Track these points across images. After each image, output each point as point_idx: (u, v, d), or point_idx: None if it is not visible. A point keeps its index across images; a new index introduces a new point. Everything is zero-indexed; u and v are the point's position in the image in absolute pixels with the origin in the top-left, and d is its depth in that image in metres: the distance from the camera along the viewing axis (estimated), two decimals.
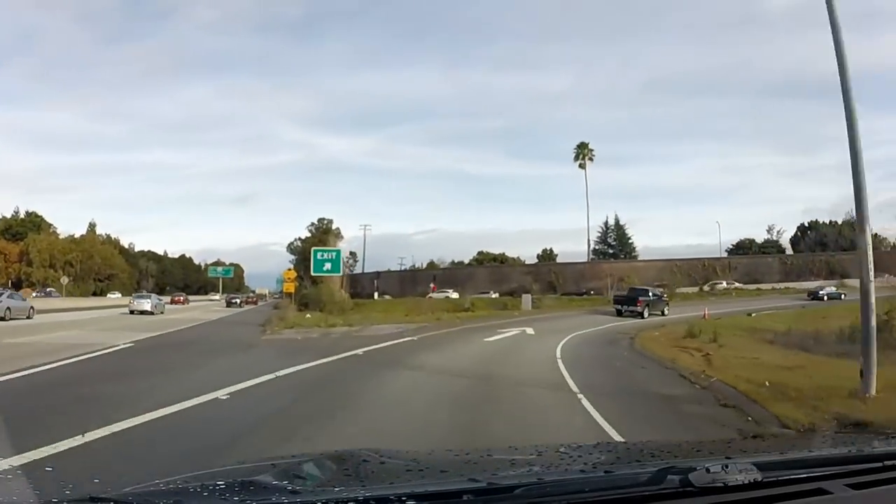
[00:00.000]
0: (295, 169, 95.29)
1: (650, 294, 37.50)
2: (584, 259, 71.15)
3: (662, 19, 76.56)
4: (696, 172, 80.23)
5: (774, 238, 77.44)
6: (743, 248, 76.45)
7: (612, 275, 58.03)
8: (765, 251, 74.05)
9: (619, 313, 34.81)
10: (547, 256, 79.03)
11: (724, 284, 60.09)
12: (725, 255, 74.22)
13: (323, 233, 78.66)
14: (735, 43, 76.17)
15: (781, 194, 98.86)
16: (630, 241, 75.21)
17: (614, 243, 75.90)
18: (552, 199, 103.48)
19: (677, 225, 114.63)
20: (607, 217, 76.92)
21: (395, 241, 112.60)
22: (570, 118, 59.27)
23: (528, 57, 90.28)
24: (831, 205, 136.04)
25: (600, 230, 75.56)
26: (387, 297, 63.25)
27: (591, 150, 71.73)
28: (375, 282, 72.70)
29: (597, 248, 73.80)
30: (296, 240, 79.44)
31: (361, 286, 69.22)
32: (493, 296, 54.98)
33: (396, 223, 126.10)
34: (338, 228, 79.97)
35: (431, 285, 63.77)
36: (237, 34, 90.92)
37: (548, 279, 65.27)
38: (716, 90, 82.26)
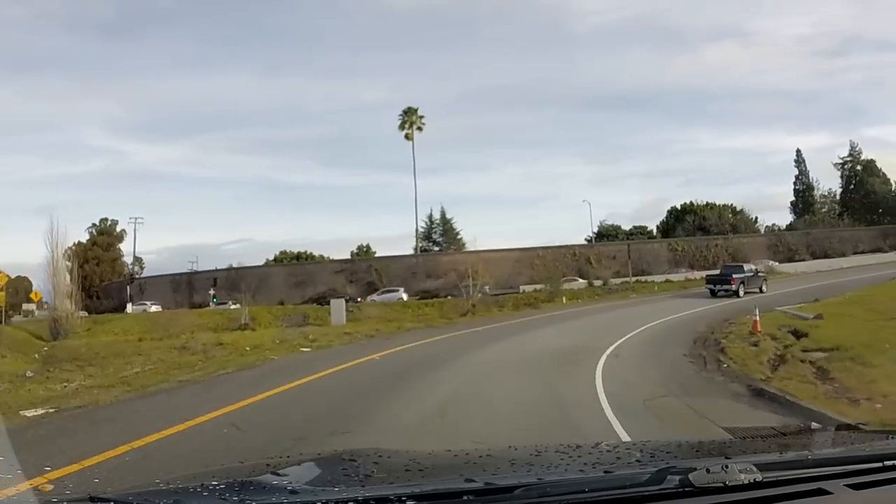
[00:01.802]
0: (102, 177, 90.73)
1: (745, 270, 34.09)
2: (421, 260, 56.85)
3: (477, 33, 77.51)
4: (508, 180, 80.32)
5: (642, 225, 69.38)
6: (608, 236, 65.80)
7: (455, 269, 42.68)
8: (632, 238, 63.42)
9: (713, 293, 32.16)
10: (364, 254, 63.47)
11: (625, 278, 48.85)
12: (587, 242, 63.60)
13: (100, 234, 71.35)
14: (546, 58, 78.02)
15: (588, 200, 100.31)
16: (458, 236, 63.14)
17: (440, 239, 64.36)
18: (370, 207, 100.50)
19: (496, 230, 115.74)
20: (431, 210, 64.97)
21: (204, 252, 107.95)
22: (386, 126, 57.29)
23: (344, 66, 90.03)
24: (633, 210, 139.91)
25: (424, 224, 63.98)
26: (155, 308, 50.34)
27: (421, 118, 60.84)
28: (129, 289, 58.27)
29: (421, 245, 62.69)
30: (74, 244, 67.13)
31: (128, 296, 56.30)
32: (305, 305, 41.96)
33: (206, 233, 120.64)
34: (123, 230, 72.04)
35: (211, 291, 49.42)
36: (44, 33, 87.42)
37: (367, 279, 52.44)
38: (527, 102, 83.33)
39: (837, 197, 69.73)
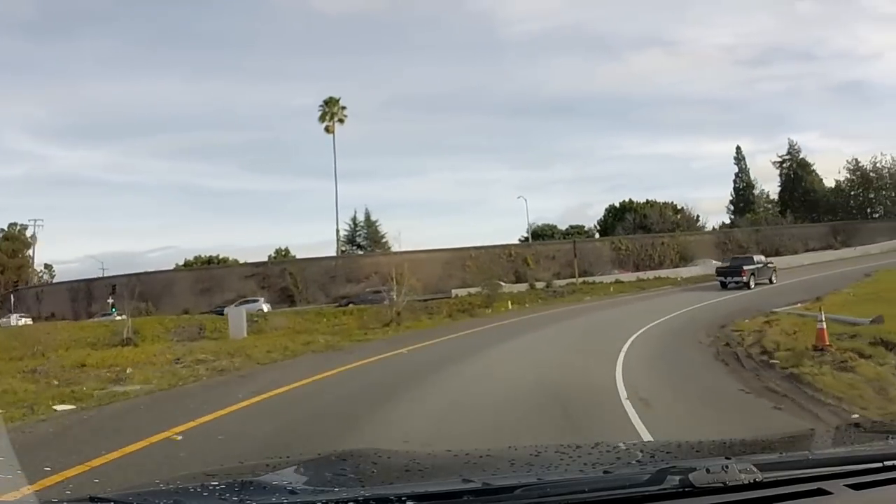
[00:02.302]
0: (20, 182, 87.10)
1: (755, 261, 33.81)
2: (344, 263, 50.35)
3: (408, 39, 77.72)
4: (437, 186, 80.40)
5: (578, 224, 65.26)
6: (543, 236, 61.04)
7: (377, 272, 38.75)
8: (570, 238, 57.77)
9: (724, 286, 31.99)
10: (283, 258, 56.33)
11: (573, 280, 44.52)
12: (523, 241, 58.57)
13: (6, 240, 65.35)
14: (475, 65, 78.79)
15: (515, 206, 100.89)
16: (384, 239, 57.16)
17: (365, 242, 59.34)
18: (297, 213, 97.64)
19: (428, 237, 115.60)
20: (355, 211, 59.97)
21: (128, 260, 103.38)
22: (315, 131, 56.33)
23: (274, 71, 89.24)
24: (558, 215, 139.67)
25: (348, 227, 59.13)
26: (25, 320, 43.53)
27: (343, 109, 56.56)
28: (12, 298, 51.89)
29: (344, 249, 57.83)
30: None
31: (27, 306, 51.33)
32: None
33: (130, 240, 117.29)
34: (33, 236, 66.28)
35: (110, 300, 43.20)
36: None
37: (281, 284, 46.77)
38: (457, 108, 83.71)
39: (771, 196, 68.44)
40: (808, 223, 59.93)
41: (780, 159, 66.89)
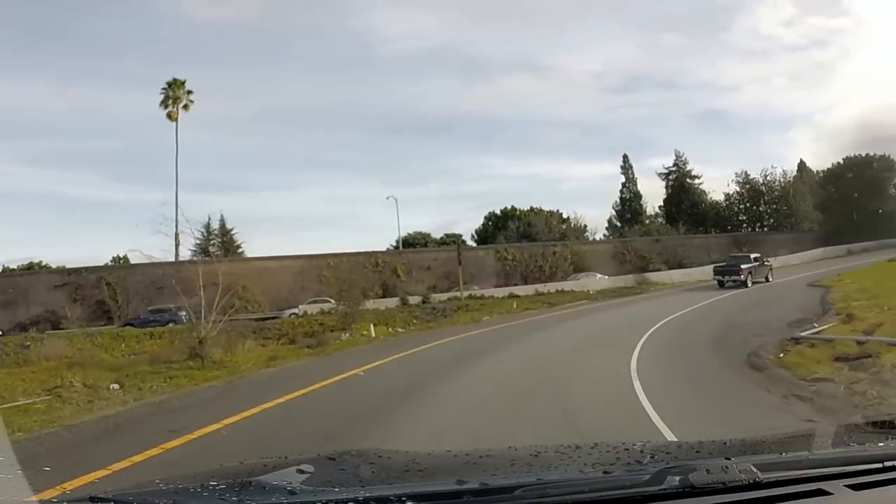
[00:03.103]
0: None
1: (752, 260, 34.16)
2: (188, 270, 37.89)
3: (281, 52, 77.21)
4: (308, 200, 79.87)
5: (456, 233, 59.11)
6: (415, 244, 54.97)
7: (216, 283, 30.13)
8: (446, 247, 51.95)
9: (721, 284, 32.41)
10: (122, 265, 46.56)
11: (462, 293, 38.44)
12: (394, 248, 51.58)
13: None
14: (351, 81, 78.80)
15: (386, 222, 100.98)
16: (240, 249, 51.43)
17: (220, 253, 48.95)
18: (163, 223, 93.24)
19: (290, 252, 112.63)
20: (209, 218, 52.15)
21: None
22: (186, 140, 53.97)
23: (143, 78, 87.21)
24: (426, 232, 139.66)
25: (200, 235, 50.32)
26: None
27: (189, 94, 50.14)
28: None
29: (195, 259, 46.15)
30: None
31: None
32: None
33: None
34: None
35: None
36: None
37: (98, 296, 39.42)
38: (329, 123, 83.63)
39: (654, 207, 65.50)
40: (702, 234, 57.94)
41: (665, 170, 64.48)
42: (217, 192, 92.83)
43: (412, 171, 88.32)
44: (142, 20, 77.13)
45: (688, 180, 63.35)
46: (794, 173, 62.60)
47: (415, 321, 28.56)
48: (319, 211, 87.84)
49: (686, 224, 57.41)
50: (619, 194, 64.84)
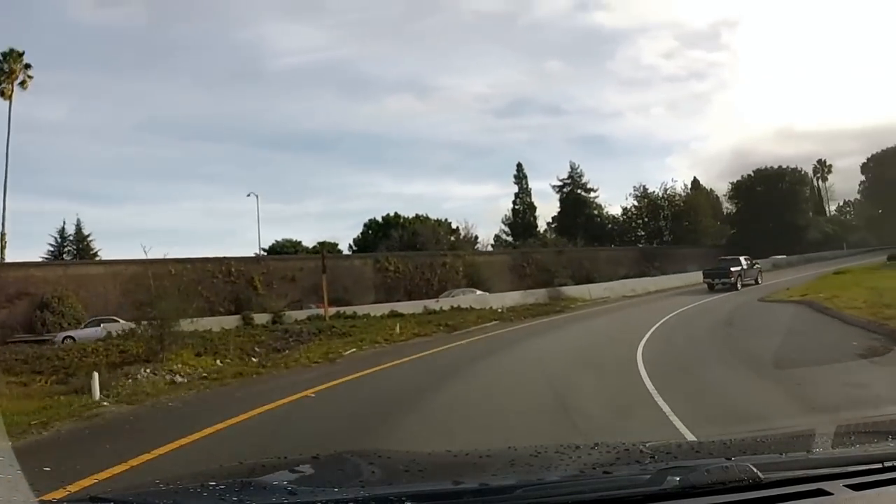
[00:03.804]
0: None
1: (742, 263, 33.79)
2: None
3: (167, 61, 76.10)
4: (188, 215, 78.69)
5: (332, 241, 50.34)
6: (284, 252, 47.18)
7: (29, 293, 29.41)
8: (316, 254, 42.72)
9: (711, 287, 32.07)
10: None
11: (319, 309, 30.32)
12: (256, 255, 43.76)
13: None
14: (235, 94, 78.12)
15: (266, 237, 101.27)
16: (97, 256, 44.57)
17: (72, 260, 45.54)
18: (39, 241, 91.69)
19: None
20: (64, 222, 46.81)
21: None
22: (64, 148, 51.76)
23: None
24: (299, 240, 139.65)
25: (54, 240, 45.86)
26: None
27: (27, 68, 43.61)
28: None
29: None
30: None
31: None
32: None
33: None
34: None
35: None
36: None
37: None
38: (215, 136, 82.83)
39: (545, 221, 61.24)
40: (608, 247, 54.85)
41: (560, 183, 60.56)
42: (92, 202, 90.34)
43: (296, 186, 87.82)
44: (25, 25, 72.99)
45: (583, 193, 60.14)
46: (688, 190, 61.05)
47: (257, 349, 19.51)
48: (201, 225, 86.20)
49: (583, 238, 52.87)
50: (511, 206, 60.16)
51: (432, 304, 32.31)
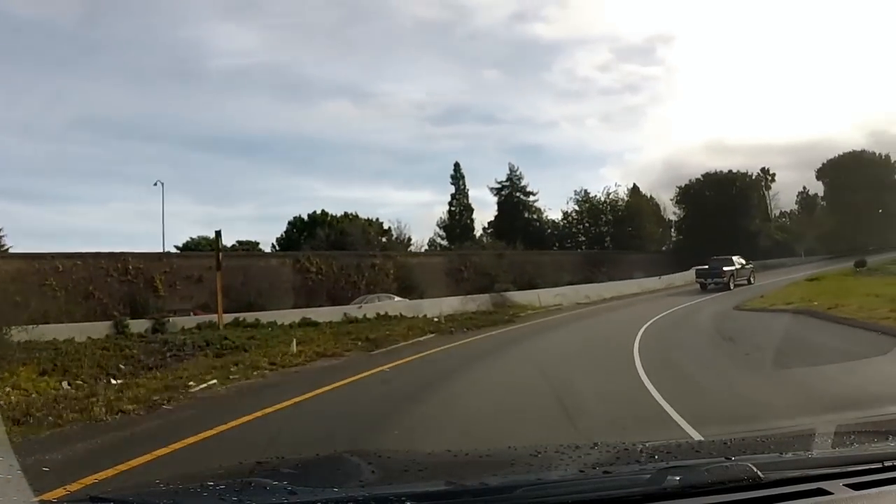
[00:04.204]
0: None
1: (734, 262, 33.44)
2: None
3: (101, 58, 74.83)
4: (113, 215, 77.53)
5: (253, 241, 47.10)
6: (198, 249, 42.04)
7: None
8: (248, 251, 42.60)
9: (704, 287, 31.88)
10: None
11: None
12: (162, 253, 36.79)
13: None
14: (169, 94, 77.33)
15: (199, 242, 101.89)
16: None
17: None
18: None
19: None
20: None
21: None
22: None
23: None
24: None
25: None
26: None
27: None
28: None
29: None
30: None
31: None
32: None
33: None
34: None
35: None
36: None
37: None
38: (149, 135, 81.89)
39: (482, 223, 57.52)
40: (554, 251, 52.11)
41: (498, 185, 57.30)
42: (14, 198, 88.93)
43: (229, 189, 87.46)
44: None
45: (522, 197, 57.30)
46: (628, 197, 58.18)
47: (122, 366, 14.62)
48: (128, 227, 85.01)
49: (522, 243, 49.23)
50: (447, 207, 55.79)
51: (355, 310, 27.14)
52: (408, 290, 35.03)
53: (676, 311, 22.15)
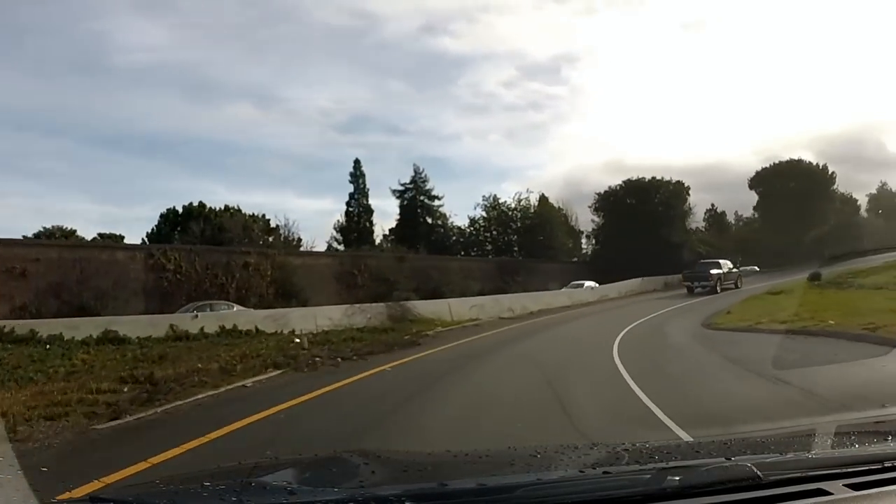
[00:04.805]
0: None
1: (722, 266, 33.31)
2: None
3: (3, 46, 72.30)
4: (12, 212, 74.62)
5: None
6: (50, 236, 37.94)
7: None
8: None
9: (691, 290, 31.61)
10: None
11: None
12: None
13: None
14: (72, 88, 75.06)
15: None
16: None
17: None
18: None
19: None
20: None
21: None
22: None
23: None
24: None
25: None
26: None
27: None
28: None
29: None
30: None
31: None
32: None
33: None
34: None
35: None
36: None
37: None
38: (43, 130, 79.63)
39: (381, 230, 53.19)
40: (448, 256, 46.76)
41: (402, 187, 52.89)
42: None
43: (129, 188, 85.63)
44: None
45: (426, 200, 53.15)
46: (536, 206, 54.84)
47: None
48: (21, 225, 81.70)
49: (426, 250, 46.13)
50: (344, 208, 51.13)
51: (188, 321, 19.64)
52: (286, 296, 29.33)
53: (636, 330, 16.97)
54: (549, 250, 51.18)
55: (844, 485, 1.56)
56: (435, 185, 54.00)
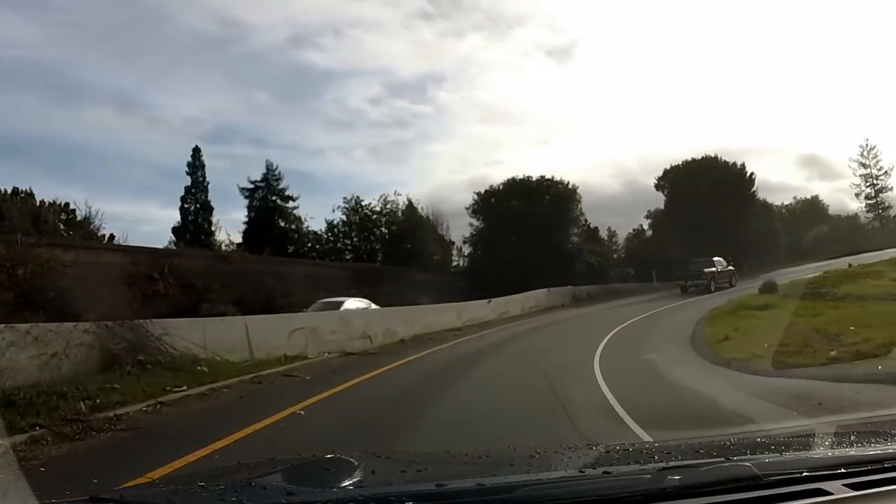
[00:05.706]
0: None
1: (716, 264, 33.05)
2: None
3: None
4: None
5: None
6: None
7: None
8: None
9: (684, 290, 31.52)
10: None
11: None
12: None
13: None
14: None
15: None
16: None
17: None
18: None
19: None
20: None
21: None
22: None
23: None
24: None
25: None
26: None
27: None
28: None
29: None
30: None
31: None
32: None
33: None
34: None
35: None
36: None
37: None
38: None
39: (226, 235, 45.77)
40: (313, 262, 42.04)
41: (252, 185, 46.84)
42: None
43: None
44: None
45: (279, 201, 46.91)
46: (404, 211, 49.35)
47: None
48: None
49: (278, 255, 41.33)
50: (179, 204, 44.69)
51: None
52: (34, 307, 18.40)
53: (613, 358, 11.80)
54: (418, 259, 44.69)
55: (844, 485, 1.56)
56: (289, 185, 47.07)
